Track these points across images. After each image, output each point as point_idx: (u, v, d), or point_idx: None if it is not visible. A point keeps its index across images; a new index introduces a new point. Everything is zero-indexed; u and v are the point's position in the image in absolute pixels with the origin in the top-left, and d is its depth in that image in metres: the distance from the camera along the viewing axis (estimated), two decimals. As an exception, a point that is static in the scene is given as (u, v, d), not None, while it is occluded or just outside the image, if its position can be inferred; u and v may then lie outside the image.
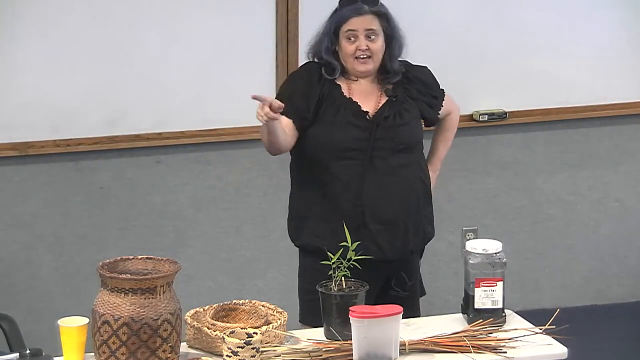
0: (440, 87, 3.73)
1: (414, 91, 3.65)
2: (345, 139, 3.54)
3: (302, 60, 3.71)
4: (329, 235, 3.46)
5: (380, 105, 3.60)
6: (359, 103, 3.58)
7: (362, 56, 3.56)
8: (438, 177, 3.82)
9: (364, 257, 3.16)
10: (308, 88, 3.57)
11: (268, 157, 3.66)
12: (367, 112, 3.57)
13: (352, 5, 3.56)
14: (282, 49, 4.65)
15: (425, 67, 3.72)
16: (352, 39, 3.55)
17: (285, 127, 3.55)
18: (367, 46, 3.55)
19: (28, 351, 2.94)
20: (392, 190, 3.57)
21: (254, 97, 3.34)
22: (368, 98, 3.60)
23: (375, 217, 3.56)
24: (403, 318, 2.99)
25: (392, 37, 3.60)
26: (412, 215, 3.62)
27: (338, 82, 3.61)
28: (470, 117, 4.92)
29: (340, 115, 3.56)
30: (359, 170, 3.54)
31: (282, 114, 3.50)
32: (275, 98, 3.57)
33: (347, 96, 3.59)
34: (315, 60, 3.63)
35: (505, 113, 4.95)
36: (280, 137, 3.51)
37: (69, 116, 4.52)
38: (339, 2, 3.59)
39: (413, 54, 3.68)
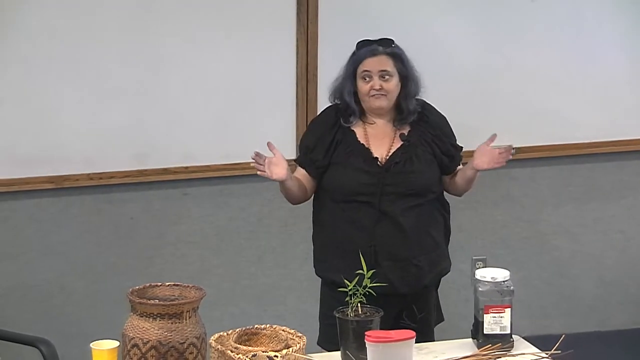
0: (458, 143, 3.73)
1: (429, 134, 3.66)
2: (355, 185, 3.58)
3: (321, 98, 3.71)
4: (347, 270, 3.33)
5: (393, 150, 3.61)
6: (371, 149, 3.60)
7: (375, 94, 3.59)
8: (451, 208, 3.80)
9: (377, 284, 3.18)
10: (323, 137, 3.60)
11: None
12: (377, 158, 3.58)
13: (367, 47, 3.59)
14: (302, 87, 4.69)
15: (445, 117, 3.73)
16: (367, 79, 3.58)
17: (303, 178, 3.63)
18: (381, 86, 3.57)
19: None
20: (404, 230, 3.58)
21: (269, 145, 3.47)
22: (382, 142, 3.63)
23: (388, 255, 3.58)
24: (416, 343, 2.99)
25: (407, 77, 3.62)
26: (427, 253, 3.64)
27: (353, 128, 3.62)
28: (480, 153, 4.99)
29: (351, 161, 3.59)
30: (371, 213, 3.57)
31: (300, 165, 3.62)
32: (299, 146, 3.68)
33: (361, 142, 3.60)
34: (337, 102, 3.66)
35: (514, 149, 5.04)
36: (296, 194, 3.59)
37: (101, 151, 4.58)
38: (357, 44, 3.65)
39: (423, 92, 3.71)
